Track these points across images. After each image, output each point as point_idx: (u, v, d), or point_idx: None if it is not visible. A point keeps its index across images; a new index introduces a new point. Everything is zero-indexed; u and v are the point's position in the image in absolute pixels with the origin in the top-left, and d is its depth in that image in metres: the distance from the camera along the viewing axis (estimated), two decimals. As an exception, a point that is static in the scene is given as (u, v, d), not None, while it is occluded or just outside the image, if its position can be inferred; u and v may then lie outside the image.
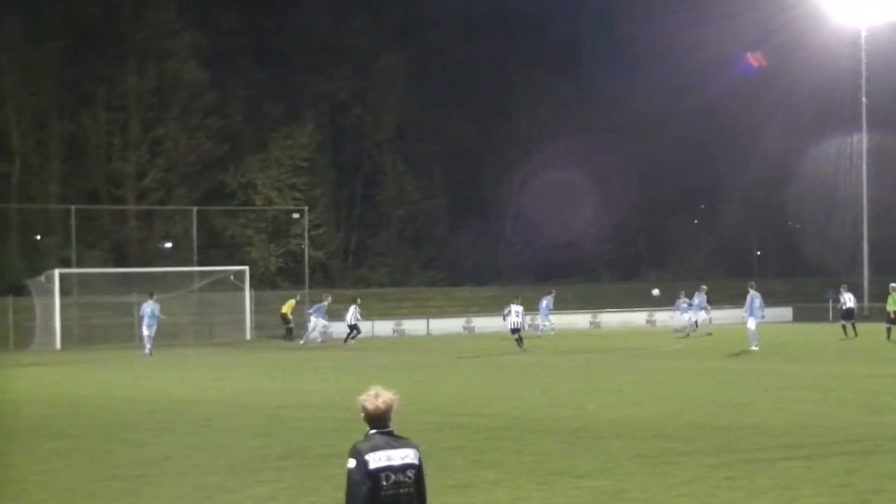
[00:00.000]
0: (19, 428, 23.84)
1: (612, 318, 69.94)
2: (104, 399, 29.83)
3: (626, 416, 23.45)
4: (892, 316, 48.10)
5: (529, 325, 63.94)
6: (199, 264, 66.93)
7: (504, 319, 49.26)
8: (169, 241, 78.05)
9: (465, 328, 66.23)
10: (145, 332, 48.94)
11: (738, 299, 52.78)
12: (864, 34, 73.33)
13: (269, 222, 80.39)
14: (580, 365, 38.98)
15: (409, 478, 8.62)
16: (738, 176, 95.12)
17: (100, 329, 59.47)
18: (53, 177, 75.59)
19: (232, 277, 62.50)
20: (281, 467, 17.80)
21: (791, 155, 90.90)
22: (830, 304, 66.46)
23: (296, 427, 22.60)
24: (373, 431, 8.71)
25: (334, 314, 57.14)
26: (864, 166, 75.73)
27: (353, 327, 53.67)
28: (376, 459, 8.51)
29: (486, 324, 66.40)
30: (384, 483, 8.49)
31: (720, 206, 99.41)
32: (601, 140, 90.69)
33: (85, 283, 60.79)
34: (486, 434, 21.18)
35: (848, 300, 52.74)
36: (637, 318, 70.33)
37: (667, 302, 62.74)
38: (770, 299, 77.56)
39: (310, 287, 68.34)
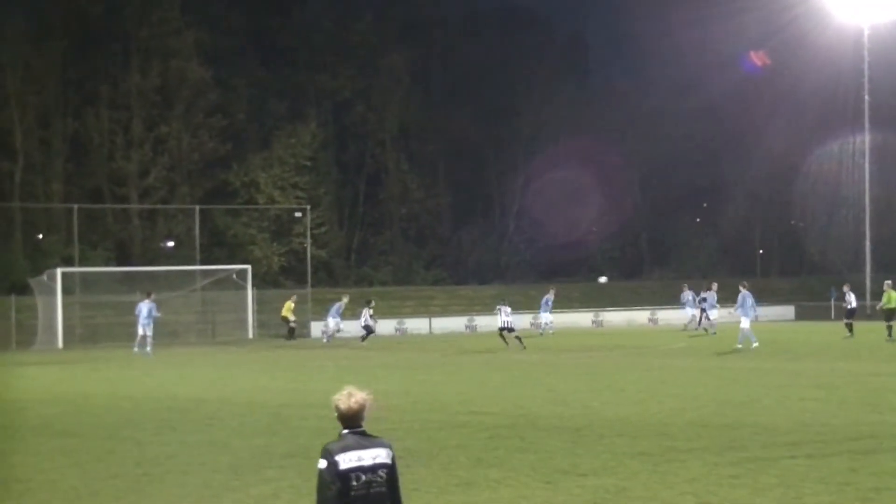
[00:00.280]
0: (22, 427, 23.86)
1: (615, 317, 69.90)
2: (107, 398, 29.84)
3: (629, 414, 23.44)
4: (889, 314, 48.12)
5: (532, 324, 64.16)
6: (202, 263, 66.93)
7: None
8: (172, 239, 78.08)
9: (467, 327, 66.23)
10: (140, 331, 48.99)
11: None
12: (867, 32, 73.27)
13: (271, 221, 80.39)
14: (583, 363, 38.97)
15: (381, 477, 8.66)
16: (742, 174, 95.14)
17: (102, 328, 59.48)
18: (56, 175, 75.65)
19: (235, 276, 62.51)
20: (284, 466, 17.80)
21: (794, 153, 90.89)
22: (833, 303, 66.43)
23: (299, 426, 22.60)
24: (345, 431, 8.79)
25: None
26: (867, 164, 75.70)
27: (367, 328, 53.83)
28: (346, 460, 8.58)
29: (489, 322, 66.27)
30: (354, 483, 8.55)
31: (723, 205, 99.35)
32: (605, 139, 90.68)
33: (87, 282, 60.82)
34: (490, 432, 21.18)
35: (852, 300, 52.68)
36: (640, 316, 70.32)
37: (670, 300, 62.74)
38: (773, 298, 77.98)
39: (312, 286, 68.32)
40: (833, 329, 54.84)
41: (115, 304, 59.90)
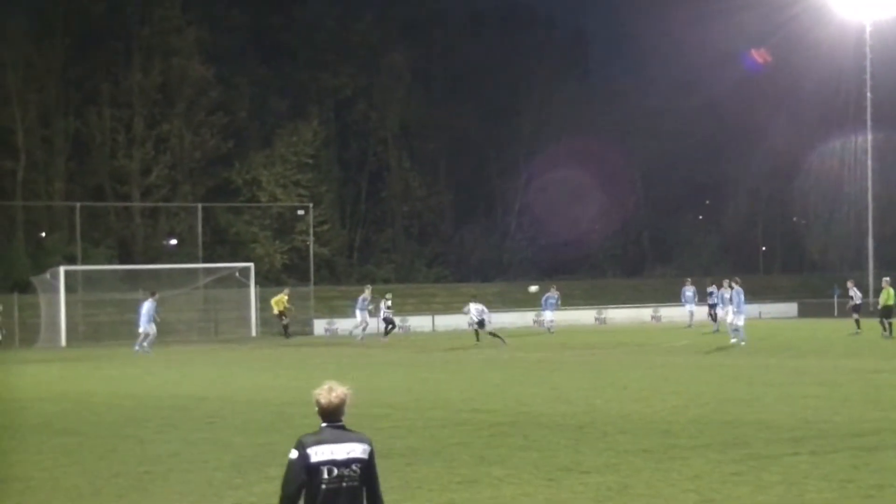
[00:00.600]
0: (25, 425, 23.86)
1: (618, 314, 69.92)
2: (110, 396, 29.85)
3: (632, 411, 23.44)
4: (889, 310, 48.14)
5: (535, 321, 64.21)
6: (205, 261, 66.94)
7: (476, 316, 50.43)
8: (174, 237, 78.10)
9: (469, 324, 66.17)
10: (140, 329, 49.08)
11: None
12: (868, 29, 73.24)
13: (274, 219, 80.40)
14: (586, 361, 38.98)
15: (355, 472, 8.68)
16: (744, 172, 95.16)
17: (105, 326, 59.51)
18: (58, 174, 75.64)
19: (237, 274, 62.51)
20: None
21: (796, 151, 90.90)
22: (836, 300, 66.41)
23: (302, 423, 22.53)
24: (324, 425, 8.84)
25: (339, 311, 57.08)
26: (870, 161, 75.69)
27: (387, 321, 53.81)
28: (318, 453, 8.63)
29: (492, 320, 66.44)
30: (325, 476, 8.58)
31: (725, 203, 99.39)
32: (606, 136, 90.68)
33: (90, 280, 60.88)
34: (492, 430, 21.17)
35: (857, 295, 52.66)
36: (643, 313, 70.36)
37: (673, 298, 62.74)
38: (775, 295, 78.03)
39: (315, 284, 68.34)
40: (836, 326, 54.86)
41: (117, 302, 59.92)
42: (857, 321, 51.02)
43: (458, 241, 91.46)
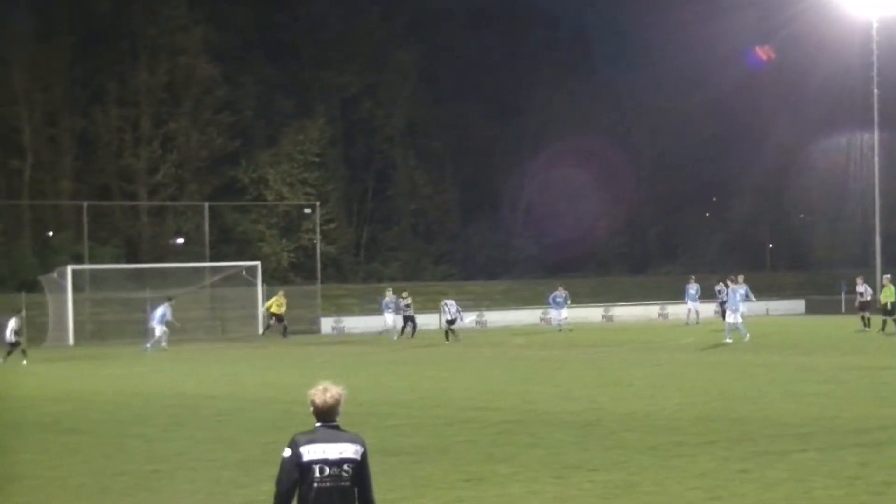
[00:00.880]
0: (32, 424, 23.90)
1: (624, 312, 69.86)
2: (117, 395, 29.90)
3: (639, 409, 23.43)
4: (889, 308, 48.08)
5: (542, 320, 64.18)
6: (211, 260, 66.93)
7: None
8: (181, 236, 78.10)
9: (476, 322, 66.17)
10: (153, 331, 49.46)
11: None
12: (875, 25, 73.07)
13: (280, 217, 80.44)
14: (591, 358, 38.97)
15: (346, 472, 8.76)
16: (750, 169, 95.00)
17: (112, 325, 59.55)
18: (65, 173, 75.69)
19: (244, 273, 62.46)
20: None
21: (802, 148, 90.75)
22: (843, 296, 66.29)
23: (308, 422, 22.51)
24: (318, 424, 8.96)
25: (346, 309, 57.02)
26: (877, 158, 75.48)
27: (409, 319, 53.86)
28: (311, 451, 8.75)
29: (498, 318, 66.46)
30: (317, 475, 8.69)
31: (731, 200, 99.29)
32: (612, 134, 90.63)
33: (97, 279, 60.88)
34: (498, 428, 21.18)
35: (867, 292, 52.50)
36: (649, 311, 70.30)
37: (679, 295, 62.66)
38: (782, 292, 77.95)
39: (322, 282, 68.34)
40: (843, 323, 54.73)
41: (124, 301, 59.98)
42: (866, 318, 50.83)
43: (464, 239, 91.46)
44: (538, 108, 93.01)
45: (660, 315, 69.55)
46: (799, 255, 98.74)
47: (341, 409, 8.99)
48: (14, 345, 43.73)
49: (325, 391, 8.96)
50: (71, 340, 55.88)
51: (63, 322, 56.74)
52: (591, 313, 68.52)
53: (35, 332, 56.46)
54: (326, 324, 63.59)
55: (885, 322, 47.60)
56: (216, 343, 55.31)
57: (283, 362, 41.00)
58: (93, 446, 20.32)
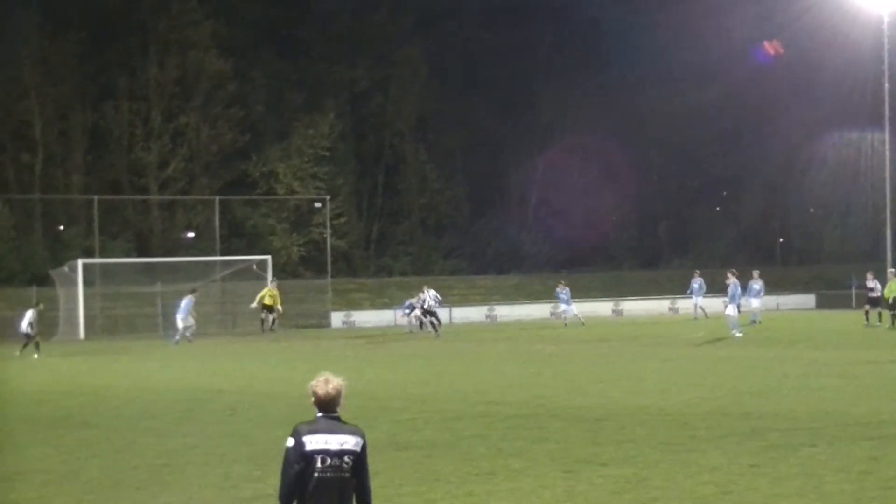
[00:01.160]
0: (44, 418, 23.96)
1: (635, 306, 69.82)
2: (128, 389, 29.96)
3: (649, 404, 23.44)
4: (891, 301, 48.00)
5: (552, 314, 64.17)
6: (222, 254, 67.06)
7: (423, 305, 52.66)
8: (191, 230, 78.20)
9: (487, 316, 66.25)
10: (178, 324, 49.69)
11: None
12: (886, 20, 72.92)
13: (291, 212, 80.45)
14: (602, 353, 38.97)
15: (347, 464, 8.88)
16: (761, 163, 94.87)
17: (123, 319, 59.72)
18: (76, 167, 75.82)
19: (254, 267, 62.56)
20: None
21: (813, 142, 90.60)
22: (854, 291, 66.22)
23: (312, 415, 22.60)
24: (319, 415, 9.07)
25: (356, 304, 57.00)
26: (888, 153, 75.32)
27: (430, 313, 53.39)
28: (313, 441, 8.85)
29: (508, 312, 66.50)
30: (319, 465, 8.80)
31: (742, 194, 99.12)
32: (622, 128, 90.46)
33: (108, 273, 60.98)
34: (509, 422, 21.20)
35: (877, 286, 52.44)
36: (660, 305, 70.26)
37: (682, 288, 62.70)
38: (793, 286, 77.88)
39: (332, 276, 68.39)
40: (854, 317, 54.68)
41: (135, 295, 60.13)
42: (876, 313, 50.72)
43: (474, 234, 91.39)
44: (549, 103, 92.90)
45: (670, 309, 69.51)
46: (809, 249, 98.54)
47: (342, 400, 9.07)
48: (29, 337, 43.88)
49: (326, 382, 9.09)
50: (82, 334, 56.02)
51: (74, 316, 56.89)
52: (602, 308, 68.57)
53: (46, 327, 56.54)
54: (337, 318, 63.66)
55: (893, 317, 47.51)
56: (226, 337, 55.41)
57: (293, 357, 41.04)
58: (104, 440, 20.37)
